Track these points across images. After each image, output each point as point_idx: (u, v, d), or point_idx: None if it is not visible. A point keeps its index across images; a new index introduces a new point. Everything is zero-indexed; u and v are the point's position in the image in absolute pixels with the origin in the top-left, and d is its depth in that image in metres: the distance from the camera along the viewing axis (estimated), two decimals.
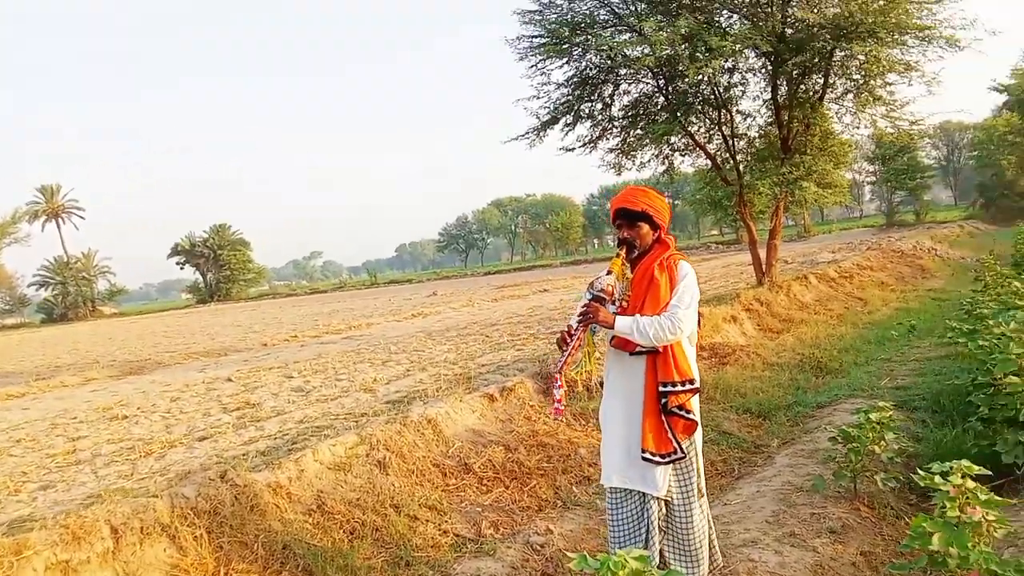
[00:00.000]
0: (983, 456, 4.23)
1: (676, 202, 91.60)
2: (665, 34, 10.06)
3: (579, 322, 2.96)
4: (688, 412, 3.02)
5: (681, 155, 13.52)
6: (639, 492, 3.06)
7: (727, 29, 11.35)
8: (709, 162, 13.34)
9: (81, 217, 74.12)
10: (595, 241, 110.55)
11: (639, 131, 12.89)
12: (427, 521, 4.44)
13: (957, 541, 2.64)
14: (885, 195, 53.76)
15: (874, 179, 56.47)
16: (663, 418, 3.00)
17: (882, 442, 4.24)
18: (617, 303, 3.05)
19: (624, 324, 2.94)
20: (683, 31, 10.17)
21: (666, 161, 13.36)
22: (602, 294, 2.99)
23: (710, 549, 3.18)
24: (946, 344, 7.91)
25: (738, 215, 13.20)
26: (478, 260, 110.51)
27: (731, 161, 13.10)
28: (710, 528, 3.21)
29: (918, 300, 13.66)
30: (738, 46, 10.69)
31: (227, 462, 4.66)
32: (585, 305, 2.97)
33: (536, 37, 12.13)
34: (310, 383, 8.69)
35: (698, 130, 13.27)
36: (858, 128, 12.53)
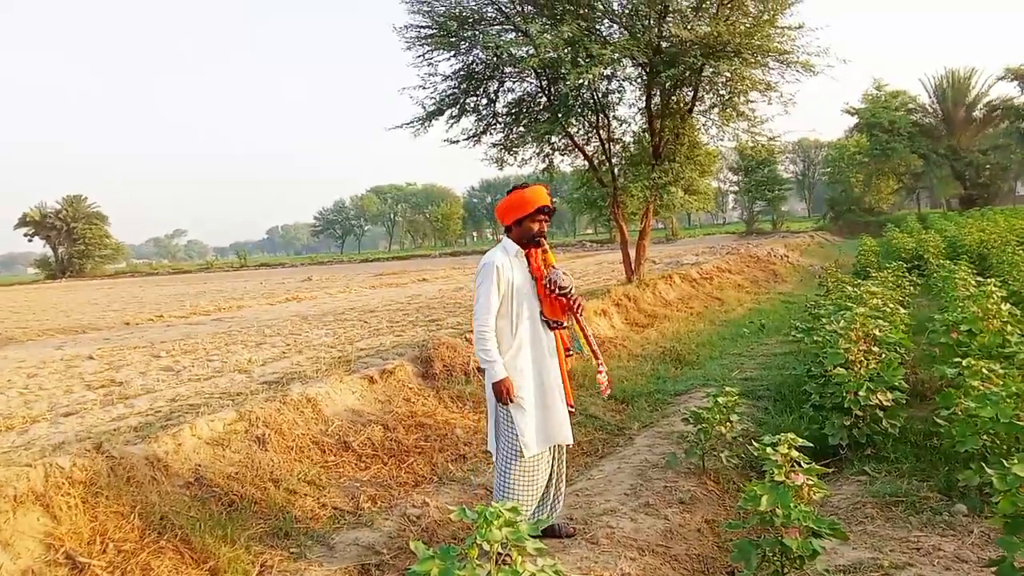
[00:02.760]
0: (814, 438, 4.81)
1: (554, 200, 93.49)
2: (549, 37, 10.47)
3: (576, 315, 3.80)
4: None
5: (561, 155, 14.03)
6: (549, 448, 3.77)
7: (607, 38, 11.92)
8: (587, 163, 13.91)
9: None
10: (474, 234, 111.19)
11: (522, 128, 13.28)
12: (306, 495, 4.58)
13: (782, 501, 3.08)
14: (746, 204, 57.19)
15: (737, 189, 59.90)
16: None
17: (728, 423, 4.76)
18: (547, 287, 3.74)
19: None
20: (566, 36, 10.62)
21: (547, 159, 13.82)
22: (569, 286, 3.71)
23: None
24: (789, 341, 8.75)
25: (611, 215, 13.86)
26: (355, 247, 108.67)
27: (607, 164, 13.73)
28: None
29: (769, 302, 14.83)
30: (617, 55, 11.26)
31: (99, 436, 4.61)
32: (570, 300, 3.69)
33: (424, 27, 12.26)
34: (180, 363, 8.48)
35: (577, 132, 13.80)
36: (722, 140, 13.48)
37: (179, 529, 3.88)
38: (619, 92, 13.28)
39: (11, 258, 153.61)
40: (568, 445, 3.89)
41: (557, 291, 3.66)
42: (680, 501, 4.47)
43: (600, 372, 3.82)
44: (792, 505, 3.08)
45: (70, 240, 67.73)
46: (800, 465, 3.35)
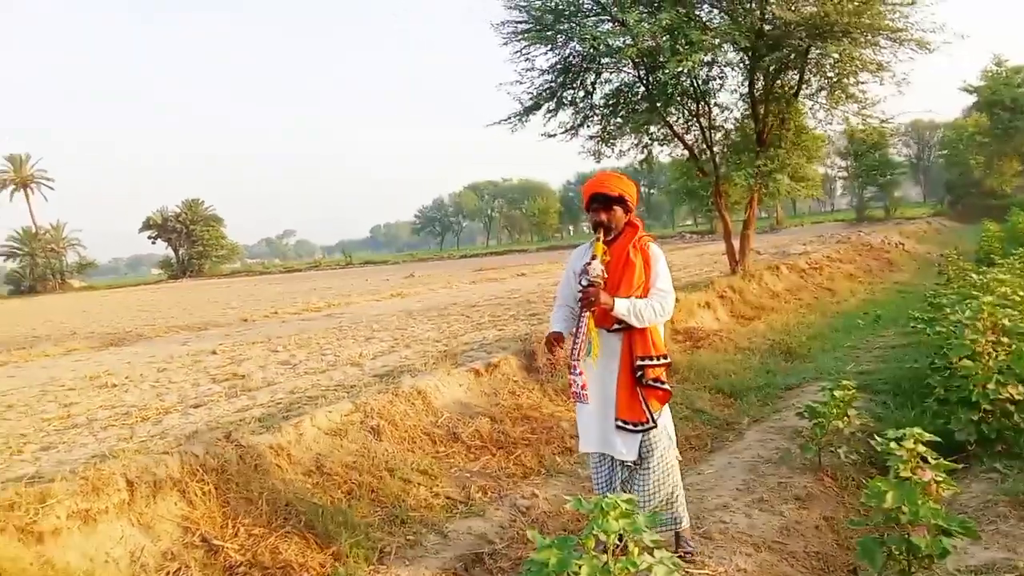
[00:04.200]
0: (938, 434, 4.56)
1: (652, 191, 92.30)
2: (647, 26, 10.33)
3: (581, 309, 3.22)
4: (663, 383, 3.34)
5: (660, 145, 13.82)
6: (611, 456, 3.43)
7: (707, 23, 11.64)
8: (687, 152, 13.66)
9: (50, 188, 73.02)
10: (571, 227, 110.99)
11: (619, 120, 13.15)
12: (419, 484, 4.72)
13: (909, 498, 2.96)
14: (856, 190, 54.67)
15: (846, 174, 57.32)
16: (637, 390, 3.30)
17: (845, 418, 4.59)
18: (599, 285, 3.27)
19: (623, 306, 3.19)
20: (664, 23, 10.44)
21: (645, 150, 13.65)
22: (597, 279, 3.22)
23: (674, 504, 3.52)
24: (908, 333, 8.33)
25: (714, 205, 13.55)
26: (453, 243, 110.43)
27: (708, 152, 13.44)
28: (679, 491, 3.56)
29: (884, 292, 14.17)
30: (717, 40, 11.00)
31: (227, 427, 4.89)
32: (583, 291, 3.20)
33: (520, 23, 12.31)
34: (296, 357, 8.88)
35: (677, 120, 13.56)
36: (831, 124, 12.94)
37: (303, 515, 4.09)
38: (720, 78, 12.97)
39: (137, 260, 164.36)
40: (624, 461, 3.39)
41: (580, 283, 3.28)
42: (796, 497, 4.35)
43: (572, 372, 3.34)
44: (919, 502, 2.96)
45: (189, 242, 71.88)
46: (927, 461, 3.21)
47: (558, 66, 12.39)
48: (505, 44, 12.34)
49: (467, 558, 3.94)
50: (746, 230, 13.91)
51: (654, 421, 3.33)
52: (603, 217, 3.37)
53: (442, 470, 4.99)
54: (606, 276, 3.29)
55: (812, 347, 8.98)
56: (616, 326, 3.31)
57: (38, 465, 4.89)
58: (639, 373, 3.29)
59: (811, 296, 13.24)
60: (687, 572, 3.30)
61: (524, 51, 12.30)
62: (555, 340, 3.42)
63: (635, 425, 3.32)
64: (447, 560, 3.90)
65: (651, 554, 2.38)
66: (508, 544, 4.13)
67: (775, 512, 4.19)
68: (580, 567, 2.23)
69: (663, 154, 14.13)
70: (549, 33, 11.83)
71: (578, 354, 3.23)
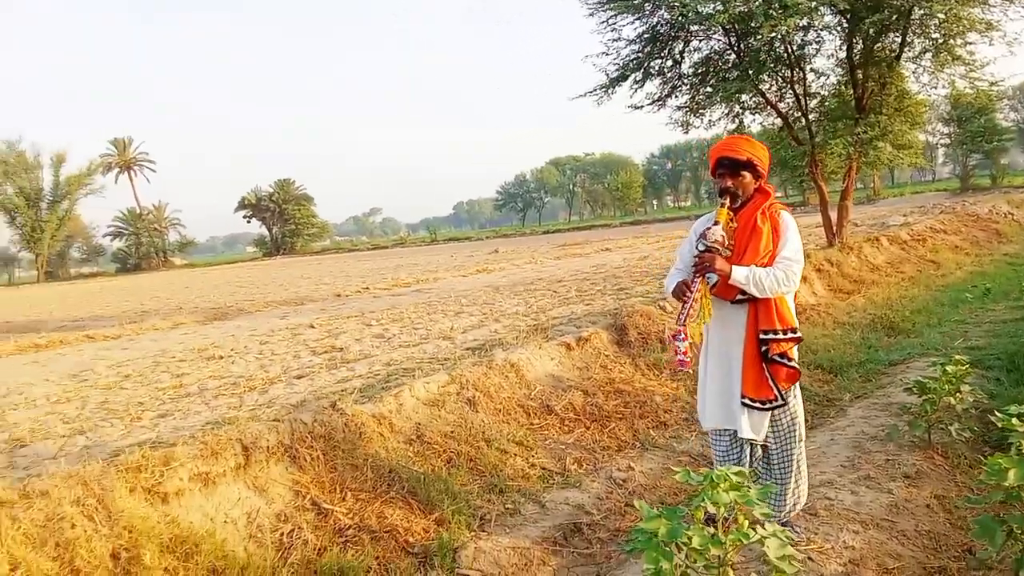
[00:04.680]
0: None
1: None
2: None
3: (695, 274, 3.06)
4: (790, 360, 3.16)
5: (752, 113, 13.41)
6: (735, 433, 3.27)
7: None
8: (780, 121, 13.20)
9: (152, 170, 76.87)
10: (654, 201, 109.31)
11: (709, 89, 12.81)
12: (515, 455, 4.79)
13: None
14: (959, 158, 51.68)
15: (948, 141, 54.19)
16: (763, 365, 3.14)
17: (957, 394, 4.40)
18: (724, 252, 3.13)
19: (741, 274, 3.02)
20: None
21: (736, 119, 13.27)
22: (715, 245, 3.07)
23: (803, 490, 3.40)
24: (1021, 307, 7.88)
25: (808, 176, 13.06)
26: (535, 219, 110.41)
27: (803, 120, 12.94)
28: (804, 471, 3.43)
29: (993, 264, 13.40)
30: (814, 3, 10.52)
31: (332, 396, 5.08)
32: (698, 256, 3.07)
33: None
34: (389, 331, 9.10)
35: (769, 88, 13.11)
36: (936, 88, 12.23)
37: (405, 482, 4.22)
38: (816, 43, 12.42)
39: (233, 238, 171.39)
40: (751, 439, 3.24)
41: (697, 247, 3.13)
42: (904, 475, 4.20)
43: (676, 338, 3.11)
44: None
45: (282, 220, 74.52)
46: None
47: (645, 35, 12.14)
48: (591, 15, 12.17)
49: (565, 527, 3.99)
50: (843, 200, 13.38)
51: (783, 399, 3.17)
52: (730, 183, 3.19)
53: (537, 442, 5.04)
54: (730, 243, 3.14)
55: (916, 322, 8.60)
56: (740, 297, 3.12)
57: (157, 431, 5.19)
58: (764, 348, 3.13)
59: (914, 269, 12.65)
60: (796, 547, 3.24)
61: (610, 21, 12.11)
62: (680, 291, 3.15)
63: (762, 403, 3.16)
64: (546, 529, 3.96)
65: (762, 527, 2.35)
66: (605, 515, 4.16)
67: (883, 490, 4.07)
68: (690, 537, 2.23)
69: (755, 123, 13.70)
70: (636, 1, 11.59)
71: (683, 319, 3.06)
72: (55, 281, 63.85)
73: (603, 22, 12.12)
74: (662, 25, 12.01)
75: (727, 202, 3.19)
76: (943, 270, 12.73)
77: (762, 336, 3.13)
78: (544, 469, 4.69)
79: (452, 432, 4.81)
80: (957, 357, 4.55)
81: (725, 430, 3.32)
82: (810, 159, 12.72)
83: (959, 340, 7.45)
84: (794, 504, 3.43)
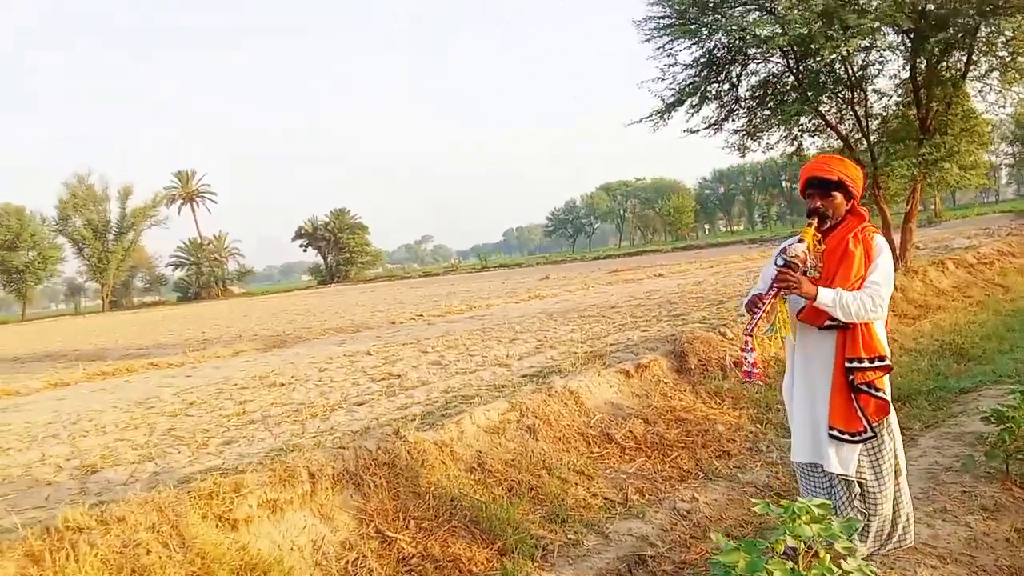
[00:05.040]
0: None
1: (794, 186, 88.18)
2: (799, 12, 9.88)
3: (773, 288, 2.95)
4: (877, 390, 3.01)
5: (811, 136, 13.21)
6: (823, 467, 3.14)
7: (864, 6, 10.99)
8: (841, 143, 12.96)
9: (213, 201, 79.21)
10: (706, 226, 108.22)
11: (767, 112, 12.68)
12: (576, 484, 4.73)
13: None
14: None
15: (1012, 161, 52.52)
16: (852, 396, 3.01)
17: None
18: (808, 274, 3.02)
19: (827, 297, 2.90)
20: (818, 8, 9.96)
21: (795, 142, 13.08)
22: (795, 260, 2.96)
23: (904, 527, 3.23)
24: None
25: (871, 198, 12.76)
26: (586, 245, 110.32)
27: (864, 142, 12.69)
28: (904, 507, 3.25)
29: None
30: (876, 24, 10.35)
31: (394, 423, 5.10)
32: (779, 271, 2.95)
33: (663, 18, 12.12)
34: (445, 358, 9.14)
35: (828, 110, 12.91)
36: (1004, 107, 11.87)
37: (467, 510, 4.20)
38: (879, 63, 12.20)
39: (289, 267, 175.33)
40: (841, 475, 3.08)
41: (776, 263, 3.00)
42: (982, 507, 4.02)
43: (745, 349, 3.02)
44: None
45: (337, 249, 76.02)
46: None
47: (702, 60, 12.10)
48: (647, 41, 12.18)
49: (629, 559, 3.91)
50: (907, 223, 13.04)
51: (872, 431, 3.02)
52: (819, 203, 3.09)
53: (597, 471, 4.98)
54: (818, 265, 3.05)
55: (987, 348, 8.27)
56: (828, 323, 3.01)
57: (223, 458, 5.28)
58: (850, 377, 3.00)
59: (981, 293, 12.20)
60: None
61: (667, 47, 12.10)
62: (752, 303, 3.04)
63: (852, 435, 3.02)
64: (610, 561, 3.89)
65: (844, 562, 2.27)
66: (670, 547, 4.07)
67: (960, 523, 3.90)
68: (771, 572, 2.15)
69: (814, 146, 13.47)
70: (693, 26, 11.57)
71: (751, 329, 2.94)
72: (119, 310, 66.14)
73: (659, 48, 12.13)
74: (719, 49, 11.95)
75: (814, 222, 3.10)
76: (1012, 294, 12.25)
77: (847, 365, 3.00)
78: (606, 499, 4.63)
79: (513, 460, 4.78)
80: None
81: (813, 464, 3.19)
82: (872, 181, 12.44)
83: None
84: (899, 536, 3.26)
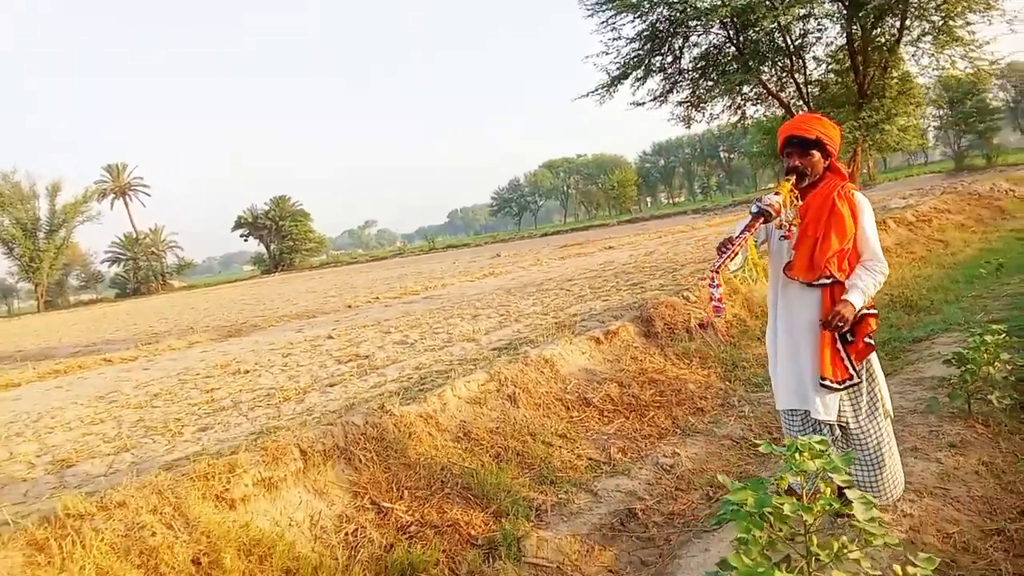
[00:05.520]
0: None
1: (731, 156, 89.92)
2: None
3: (744, 233, 3.01)
4: (869, 337, 3.20)
5: (753, 104, 13.51)
6: (807, 412, 3.29)
7: None
8: (781, 111, 13.30)
9: (147, 194, 76.77)
10: (648, 199, 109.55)
11: (710, 83, 12.92)
12: (560, 447, 4.84)
13: None
14: (952, 139, 52.00)
15: (939, 123, 54.44)
16: (839, 346, 3.16)
17: (996, 363, 4.45)
18: (785, 227, 3.15)
19: (859, 299, 3.08)
20: None
21: (738, 111, 13.37)
22: (769, 208, 3.03)
23: (893, 471, 3.37)
24: None
25: None
26: (531, 223, 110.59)
27: (805, 108, 13.04)
28: (893, 453, 3.40)
29: (1001, 240, 13.49)
30: None
31: (374, 400, 5.12)
32: (752, 216, 3.03)
33: None
34: (409, 337, 9.13)
35: (770, 79, 13.22)
36: (938, 70, 12.33)
37: (458, 478, 4.26)
38: (818, 31, 12.53)
39: (229, 258, 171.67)
40: (826, 420, 3.22)
41: (751, 210, 3.09)
42: (950, 444, 4.26)
43: (712, 285, 3.00)
44: None
45: (279, 237, 74.60)
46: None
47: (645, 33, 12.25)
48: (590, 15, 12.27)
49: (620, 513, 4.03)
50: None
51: (858, 376, 3.21)
52: (798, 162, 3.17)
53: (579, 433, 5.09)
54: (795, 220, 3.16)
55: (934, 299, 8.67)
56: (822, 280, 3.14)
57: (201, 444, 5.22)
58: (845, 328, 3.11)
59: (923, 249, 12.73)
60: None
61: (610, 21, 12.21)
62: (723, 244, 3.03)
63: (839, 384, 3.18)
64: (602, 516, 4.01)
65: (845, 494, 2.40)
66: (658, 500, 4.21)
67: (931, 459, 4.13)
68: (780, 506, 2.27)
69: (758, 114, 13.79)
70: (635, 0, 11.68)
71: (718, 266, 2.96)
72: (55, 310, 63.78)
73: (603, 22, 12.25)
74: (661, 22, 12.11)
75: (792, 179, 3.19)
76: (952, 248, 12.81)
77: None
78: (590, 459, 4.74)
79: (497, 428, 4.86)
80: (995, 327, 4.61)
81: (797, 410, 3.34)
82: None
83: (980, 314, 7.52)
84: (894, 486, 3.39)
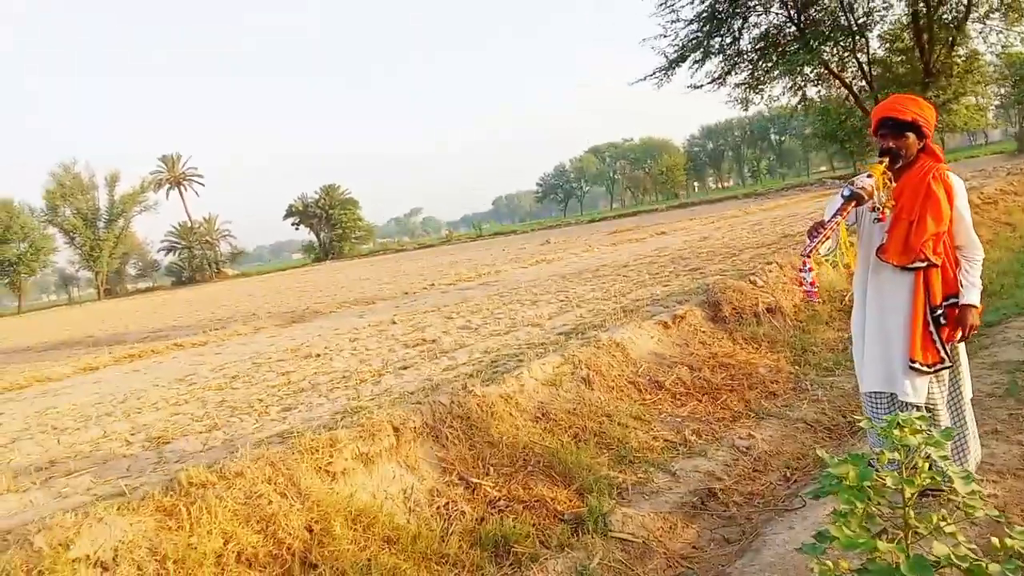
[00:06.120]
0: None
1: (782, 139, 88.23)
2: None
3: (836, 217, 3.03)
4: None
5: (814, 85, 13.33)
6: (893, 395, 3.32)
7: None
8: (845, 91, 13.10)
9: (201, 184, 78.68)
10: (695, 184, 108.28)
11: (769, 64, 12.78)
12: (636, 429, 4.94)
13: None
14: (1015, 119, 50.19)
15: (999, 103, 52.62)
16: (931, 329, 3.18)
17: None
18: (878, 210, 3.17)
19: (976, 296, 3.19)
20: None
21: (798, 92, 13.20)
22: (861, 191, 3.04)
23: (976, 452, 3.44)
24: None
25: (855, 148, 12.90)
26: (577, 209, 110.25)
27: (868, 89, 12.82)
28: (973, 430, 3.48)
29: None
30: None
31: (449, 382, 5.29)
32: (844, 200, 3.04)
33: None
34: (472, 322, 9.30)
35: (831, 59, 13.01)
36: (1008, 47, 11.99)
37: (540, 456, 4.40)
38: (883, 9, 12.30)
39: (279, 246, 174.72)
40: (915, 403, 3.24)
41: (842, 194, 3.08)
42: None
43: (803, 270, 3.05)
44: None
45: (329, 225, 75.78)
46: None
47: (704, 15, 12.16)
48: None
49: (700, 493, 4.13)
50: None
51: (951, 360, 3.23)
52: (892, 144, 3.17)
53: (653, 416, 5.19)
54: (889, 202, 3.16)
55: (1004, 283, 8.52)
56: (918, 264, 3.16)
57: (288, 423, 5.44)
58: (939, 312, 3.16)
59: (990, 232, 12.42)
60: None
61: (668, 3, 12.15)
62: (813, 229, 3.08)
63: (930, 367, 3.20)
64: (682, 495, 4.11)
65: (946, 468, 2.46)
66: (736, 481, 4.29)
67: (1012, 442, 4.13)
68: (884, 478, 2.35)
69: (818, 95, 13.59)
70: None
71: (808, 251, 3.01)
72: (114, 298, 66.01)
73: (661, 4, 12.17)
74: (721, 2, 12.02)
75: (885, 161, 3.19)
76: (1020, 231, 12.50)
77: (948, 302, 3.19)
78: (666, 440, 4.84)
79: (574, 409, 4.98)
80: None
81: (883, 393, 3.37)
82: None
83: None
84: (975, 468, 3.45)
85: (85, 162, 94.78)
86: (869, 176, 3.12)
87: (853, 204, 3.07)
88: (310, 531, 3.17)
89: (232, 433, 5.27)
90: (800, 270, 3.12)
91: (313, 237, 79.48)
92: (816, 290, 3.13)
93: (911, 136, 3.19)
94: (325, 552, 3.14)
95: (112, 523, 2.85)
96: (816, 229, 3.04)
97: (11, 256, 63.50)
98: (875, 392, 3.44)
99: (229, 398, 6.72)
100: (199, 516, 2.96)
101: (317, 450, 3.64)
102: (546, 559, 3.44)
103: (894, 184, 3.22)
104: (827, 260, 3.22)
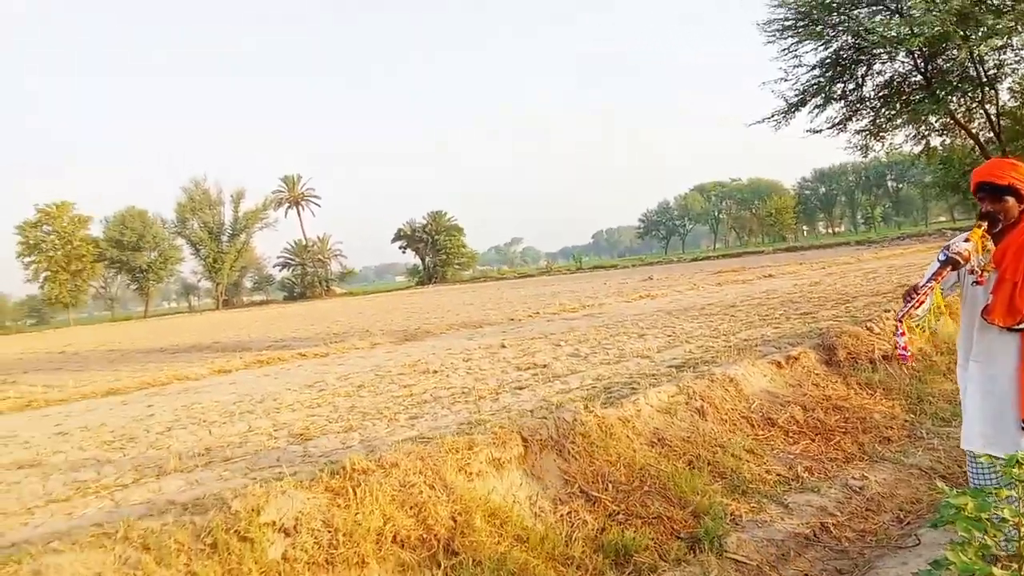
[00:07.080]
0: None
1: (900, 186, 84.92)
2: (936, 15, 9.91)
3: (931, 282, 3.13)
4: None
5: (938, 135, 13.08)
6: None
7: (1000, 6, 10.88)
8: (970, 142, 12.80)
9: (317, 204, 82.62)
10: (804, 228, 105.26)
11: (892, 111, 12.65)
12: (748, 461, 5.12)
13: None
14: None
15: None
16: None
17: None
18: (977, 273, 3.25)
19: None
20: (955, 9, 9.96)
21: (922, 141, 12.99)
22: (957, 257, 3.12)
23: None
24: None
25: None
26: (678, 247, 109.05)
27: (996, 140, 12.49)
28: None
29: None
30: (1014, 24, 10.25)
31: (567, 403, 5.62)
32: (940, 264, 3.13)
33: (787, 19, 12.28)
34: (580, 351, 9.61)
35: (957, 109, 12.75)
36: None
37: (654, 479, 4.66)
38: (1016, 63, 12.00)
39: (384, 267, 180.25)
40: None
41: (938, 258, 3.13)
42: None
43: (896, 334, 3.19)
44: None
45: (434, 251, 78.01)
46: None
47: (827, 60, 12.21)
48: (770, 43, 12.39)
49: (813, 526, 4.29)
50: None
51: None
52: (990, 207, 3.24)
53: (765, 450, 5.36)
54: (988, 266, 3.25)
55: None
56: (1022, 324, 3.19)
57: (417, 430, 5.90)
58: None
59: None
60: None
61: (791, 48, 12.27)
62: (908, 292, 3.20)
63: None
64: (795, 526, 4.28)
65: None
66: (849, 517, 4.42)
67: None
68: (1002, 510, 2.53)
69: (942, 146, 13.32)
70: (819, 28, 11.71)
71: (902, 315, 3.12)
72: (231, 308, 69.92)
73: (784, 49, 12.31)
74: (845, 50, 12.04)
75: (985, 225, 3.27)
76: None
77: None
78: (779, 475, 5.00)
79: (688, 437, 5.22)
80: None
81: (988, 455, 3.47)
82: None
83: None
84: None
85: (214, 178, 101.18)
86: (967, 240, 3.20)
87: (949, 268, 3.16)
88: (454, 521, 3.56)
89: (367, 435, 5.75)
90: (894, 333, 3.29)
91: (418, 260, 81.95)
92: (909, 354, 3.24)
93: (1010, 200, 3.24)
94: (466, 542, 3.51)
95: (293, 496, 3.31)
96: (911, 293, 3.16)
97: (143, 263, 68.51)
98: (977, 453, 3.50)
99: (358, 404, 7.26)
100: (363, 497, 3.40)
101: (458, 450, 4.03)
102: (664, 571, 3.70)
103: (993, 247, 3.29)
104: (917, 325, 3.30)
